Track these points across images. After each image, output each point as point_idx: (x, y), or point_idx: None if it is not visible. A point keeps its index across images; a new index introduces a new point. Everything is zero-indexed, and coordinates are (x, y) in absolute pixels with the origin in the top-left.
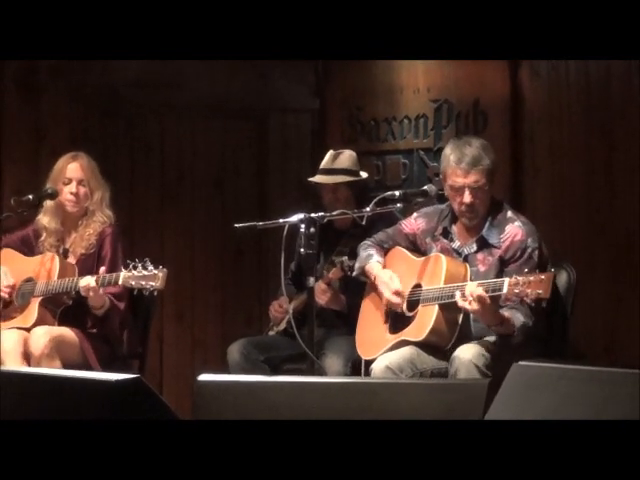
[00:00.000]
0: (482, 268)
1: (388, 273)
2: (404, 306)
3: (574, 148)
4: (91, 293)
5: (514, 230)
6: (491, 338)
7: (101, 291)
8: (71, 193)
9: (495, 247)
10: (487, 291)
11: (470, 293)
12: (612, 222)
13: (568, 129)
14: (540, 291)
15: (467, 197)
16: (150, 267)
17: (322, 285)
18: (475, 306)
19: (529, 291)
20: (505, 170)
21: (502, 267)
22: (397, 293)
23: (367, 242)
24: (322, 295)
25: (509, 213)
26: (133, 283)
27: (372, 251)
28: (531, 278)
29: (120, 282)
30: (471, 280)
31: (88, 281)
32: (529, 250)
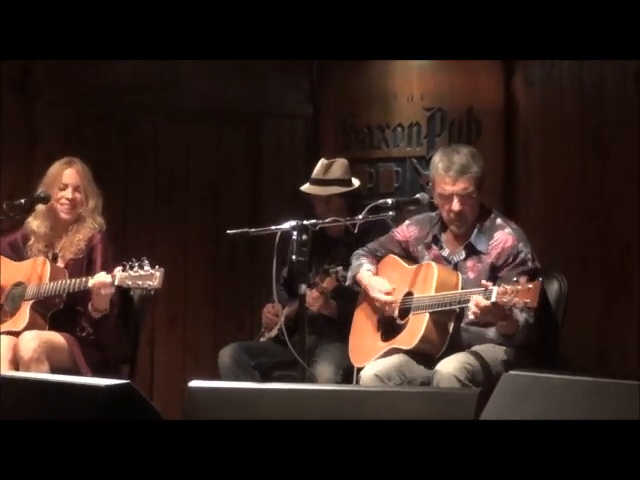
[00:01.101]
0: (471, 275)
1: (379, 279)
2: (395, 313)
3: (568, 156)
4: (102, 291)
5: (504, 237)
6: (479, 347)
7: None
8: (67, 199)
9: (483, 254)
10: None
11: (476, 303)
12: (606, 230)
13: (562, 137)
14: (527, 300)
15: (455, 205)
16: (147, 267)
17: (314, 293)
18: (483, 317)
19: (517, 300)
20: (498, 178)
21: (493, 274)
22: (389, 294)
23: (359, 252)
24: (314, 302)
25: (498, 220)
26: (130, 283)
27: (363, 260)
28: (519, 287)
29: (116, 282)
30: (462, 288)
31: (104, 278)
32: (522, 255)
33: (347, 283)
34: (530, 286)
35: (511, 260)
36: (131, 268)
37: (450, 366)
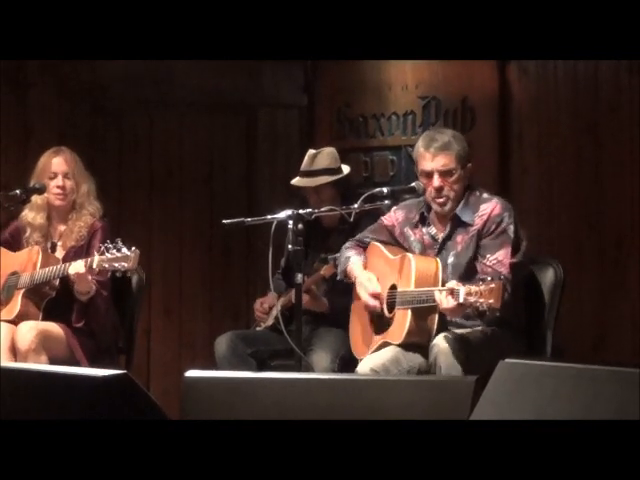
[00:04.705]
0: (460, 248)
1: (367, 275)
2: (384, 307)
3: (562, 146)
4: (80, 276)
5: (491, 205)
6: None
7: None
8: (57, 186)
9: (469, 224)
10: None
11: (444, 299)
12: (600, 219)
13: (556, 127)
14: (491, 300)
15: (436, 181)
16: (123, 249)
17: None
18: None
19: (482, 300)
20: (493, 168)
21: (478, 242)
22: (374, 295)
23: (347, 244)
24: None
25: (485, 194)
26: (106, 266)
27: (350, 252)
28: (482, 287)
29: (94, 266)
30: (444, 269)
31: (78, 268)
32: (503, 225)
33: (338, 278)
34: (493, 285)
35: (494, 228)
36: (107, 250)
37: (446, 339)
